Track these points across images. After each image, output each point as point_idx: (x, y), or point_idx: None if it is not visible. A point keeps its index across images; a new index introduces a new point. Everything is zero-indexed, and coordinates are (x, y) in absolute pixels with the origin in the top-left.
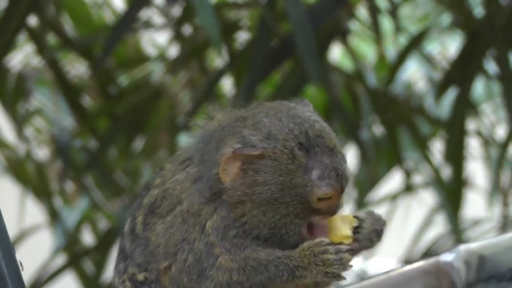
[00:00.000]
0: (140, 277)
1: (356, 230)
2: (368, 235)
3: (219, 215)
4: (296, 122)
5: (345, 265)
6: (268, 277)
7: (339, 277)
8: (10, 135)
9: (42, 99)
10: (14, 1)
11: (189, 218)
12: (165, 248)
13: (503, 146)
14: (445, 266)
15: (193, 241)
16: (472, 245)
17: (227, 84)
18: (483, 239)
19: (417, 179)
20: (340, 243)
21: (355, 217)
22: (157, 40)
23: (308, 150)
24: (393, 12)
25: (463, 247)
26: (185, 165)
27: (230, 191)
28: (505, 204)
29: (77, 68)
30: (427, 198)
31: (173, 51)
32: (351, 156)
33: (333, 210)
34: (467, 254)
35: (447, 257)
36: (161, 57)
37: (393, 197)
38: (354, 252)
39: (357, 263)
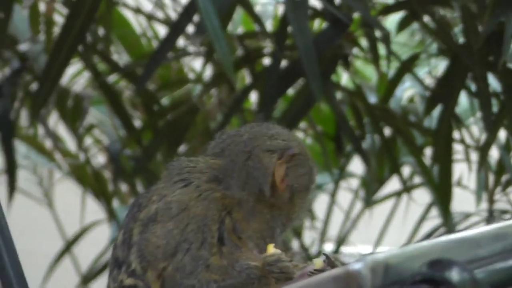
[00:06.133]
0: (129, 281)
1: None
2: None
3: (230, 221)
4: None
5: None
6: (240, 282)
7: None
8: (72, 145)
9: (101, 115)
10: (64, 33)
11: (196, 222)
12: (165, 248)
13: (483, 151)
14: (353, 273)
15: (195, 241)
16: (378, 255)
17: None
18: (388, 251)
19: (415, 180)
20: None
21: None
22: (194, 65)
23: None
24: (387, 41)
25: (369, 257)
26: (182, 184)
27: (282, 192)
28: (491, 202)
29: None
30: (424, 197)
31: (208, 74)
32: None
33: None
34: (373, 263)
35: (355, 265)
36: (198, 79)
37: (396, 195)
38: None
39: (367, 250)
